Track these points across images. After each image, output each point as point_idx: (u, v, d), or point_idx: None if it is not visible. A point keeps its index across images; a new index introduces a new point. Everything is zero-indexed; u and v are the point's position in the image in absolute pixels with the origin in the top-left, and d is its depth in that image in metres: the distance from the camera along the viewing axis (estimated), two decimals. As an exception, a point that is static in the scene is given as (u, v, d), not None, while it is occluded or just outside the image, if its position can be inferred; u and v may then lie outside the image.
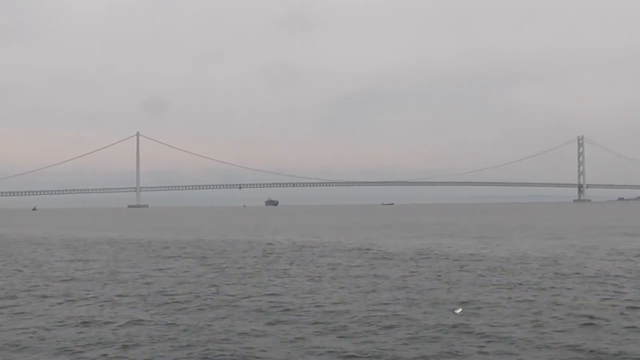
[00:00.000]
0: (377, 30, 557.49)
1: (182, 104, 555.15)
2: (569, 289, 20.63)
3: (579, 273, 24.68)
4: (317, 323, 15.56)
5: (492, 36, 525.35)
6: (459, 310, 16.62)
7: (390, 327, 15.01)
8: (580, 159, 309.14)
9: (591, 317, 15.87)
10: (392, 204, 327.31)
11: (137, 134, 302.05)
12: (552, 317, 15.86)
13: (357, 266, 28.39)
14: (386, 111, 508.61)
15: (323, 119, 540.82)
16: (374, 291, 20.58)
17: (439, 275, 24.42)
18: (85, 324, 15.81)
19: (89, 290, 21.59)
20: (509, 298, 18.82)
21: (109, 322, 15.93)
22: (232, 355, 12.77)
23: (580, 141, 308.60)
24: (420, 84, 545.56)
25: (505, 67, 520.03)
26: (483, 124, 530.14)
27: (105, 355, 12.92)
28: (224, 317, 16.41)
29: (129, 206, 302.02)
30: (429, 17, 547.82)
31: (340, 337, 14.17)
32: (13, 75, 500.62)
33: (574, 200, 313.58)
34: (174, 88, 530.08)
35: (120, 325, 15.52)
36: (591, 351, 12.68)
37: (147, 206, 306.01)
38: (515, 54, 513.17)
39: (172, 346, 13.47)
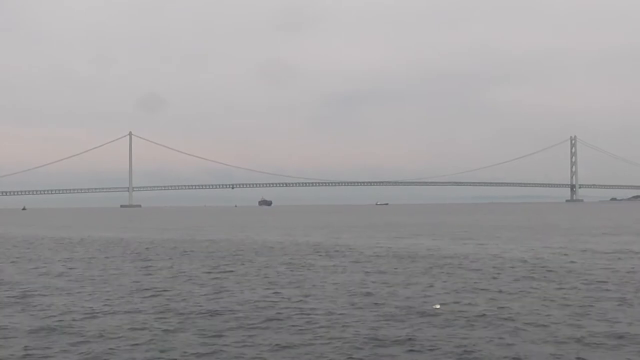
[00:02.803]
0: (370, 30, 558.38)
1: (175, 103, 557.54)
2: (542, 288, 20.05)
3: (551, 271, 24.05)
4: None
5: (485, 35, 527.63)
6: (437, 306, 16.76)
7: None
8: (573, 159, 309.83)
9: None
10: (387, 204, 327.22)
11: (130, 134, 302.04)
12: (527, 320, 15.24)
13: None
14: (380, 110, 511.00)
15: (317, 119, 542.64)
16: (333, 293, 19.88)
17: (411, 275, 23.81)
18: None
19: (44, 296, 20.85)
20: (485, 297, 18.19)
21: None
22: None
23: (573, 141, 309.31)
24: (413, 83, 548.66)
25: (498, 66, 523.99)
26: (476, 124, 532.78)
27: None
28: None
29: (121, 206, 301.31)
30: (422, 16, 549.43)
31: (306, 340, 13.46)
32: (1, 73, 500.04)
33: (567, 201, 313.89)
34: (166, 88, 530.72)
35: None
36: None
37: (139, 206, 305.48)
38: (508, 52, 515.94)
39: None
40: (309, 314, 16.32)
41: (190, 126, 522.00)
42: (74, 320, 15.98)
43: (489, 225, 72.72)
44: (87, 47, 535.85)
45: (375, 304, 17.72)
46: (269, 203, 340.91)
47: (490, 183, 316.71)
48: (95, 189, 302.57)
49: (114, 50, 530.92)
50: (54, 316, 16.58)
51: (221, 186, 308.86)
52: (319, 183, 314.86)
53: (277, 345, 13.15)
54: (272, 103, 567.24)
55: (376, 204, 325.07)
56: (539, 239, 45.04)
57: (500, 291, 19.78)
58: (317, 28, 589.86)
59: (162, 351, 12.79)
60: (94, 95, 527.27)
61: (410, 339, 13.43)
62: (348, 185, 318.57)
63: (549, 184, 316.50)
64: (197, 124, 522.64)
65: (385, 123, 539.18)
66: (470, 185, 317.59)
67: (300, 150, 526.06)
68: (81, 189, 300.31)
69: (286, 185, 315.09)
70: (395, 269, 26.55)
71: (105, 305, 18.19)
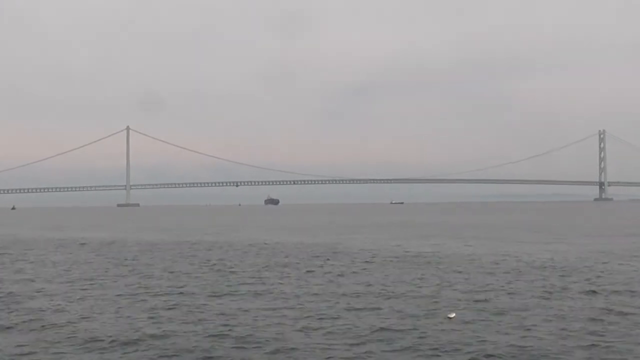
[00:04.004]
0: (381, 16, 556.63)
1: (175, 96, 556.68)
2: (561, 294, 19.92)
3: (568, 276, 23.74)
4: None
5: (505, 20, 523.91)
6: (452, 315, 16.56)
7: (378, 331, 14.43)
8: (602, 154, 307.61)
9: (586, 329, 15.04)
10: (402, 203, 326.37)
11: (127, 128, 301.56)
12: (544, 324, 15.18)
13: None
14: (393, 103, 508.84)
15: (326, 112, 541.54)
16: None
17: (423, 279, 23.72)
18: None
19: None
20: (499, 305, 18.11)
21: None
22: None
23: (602, 135, 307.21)
24: (428, 73, 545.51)
25: (519, 54, 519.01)
26: (498, 116, 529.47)
27: None
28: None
29: (118, 205, 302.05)
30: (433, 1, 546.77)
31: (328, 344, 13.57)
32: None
33: (595, 199, 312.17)
34: (166, 81, 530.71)
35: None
36: None
37: (137, 205, 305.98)
38: (531, 38, 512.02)
39: None
40: (310, 317, 16.33)
41: (192, 120, 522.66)
42: (62, 325, 16.05)
43: (509, 225, 72.37)
44: (84, 39, 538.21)
45: (387, 309, 17.72)
46: (275, 202, 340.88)
47: (513, 180, 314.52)
48: (90, 187, 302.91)
49: (111, 44, 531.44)
50: (41, 319, 16.68)
51: (225, 184, 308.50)
52: (329, 180, 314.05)
53: (280, 348, 13.28)
54: (279, 95, 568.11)
55: (391, 203, 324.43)
56: (564, 241, 44.57)
57: (517, 296, 19.62)
58: (326, 16, 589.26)
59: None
60: (90, 88, 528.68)
61: (417, 349, 13.41)
62: (360, 182, 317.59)
63: (576, 182, 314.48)
64: (199, 117, 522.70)
65: (399, 116, 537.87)
66: (491, 182, 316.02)
67: (309, 146, 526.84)
68: (75, 187, 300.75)
69: (294, 183, 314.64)
70: (407, 272, 26.48)
71: (97, 310, 18.26)
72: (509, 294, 20.24)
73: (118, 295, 21.05)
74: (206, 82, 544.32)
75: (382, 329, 15.31)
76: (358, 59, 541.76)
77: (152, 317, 17.05)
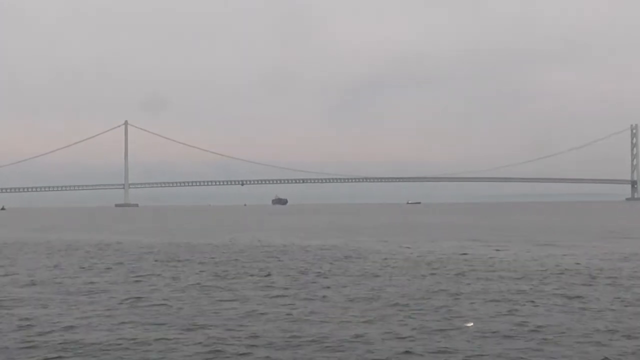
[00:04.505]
0: (392, 7, 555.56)
1: (178, 90, 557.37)
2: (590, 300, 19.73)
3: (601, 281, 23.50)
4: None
5: (529, 7, 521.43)
6: (469, 324, 16.63)
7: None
8: (634, 150, 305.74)
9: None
10: (419, 203, 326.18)
11: (126, 123, 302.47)
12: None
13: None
14: (408, 96, 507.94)
15: (336, 106, 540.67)
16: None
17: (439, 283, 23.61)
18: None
19: None
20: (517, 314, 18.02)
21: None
22: None
23: (634, 130, 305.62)
24: (446, 65, 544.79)
25: (545, 42, 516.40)
26: (521, 110, 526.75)
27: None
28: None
29: (116, 205, 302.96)
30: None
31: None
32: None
33: (627, 199, 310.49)
34: (167, 74, 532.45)
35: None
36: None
37: (136, 205, 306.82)
38: (557, 27, 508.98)
39: None
40: (321, 324, 16.32)
41: (194, 115, 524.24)
42: (52, 334, 16.05)
43: (534, 227, 72.10)
44: (83, 33, 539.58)
45: (404, 316, 17.73)
46: (284, 202, 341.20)
47: (538, 179, 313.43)
48: (86, 186, 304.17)
49: (110, 39, 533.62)
50: (29, 328, 16.69)
51: (229, 182, 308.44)
52: (340, 179, 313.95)
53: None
54: (286, 89, 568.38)
55: (407, 203, 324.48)
56: (598, 244, 44.22)
57: (540, 306, 19.50)
58: (335, 5, 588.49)
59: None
60: (87, 83, 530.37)
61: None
62: (373, 181, 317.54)
63: (606, 180, 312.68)
64: (201, 112, 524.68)
65: (414, 110, 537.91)
66: (515, 181, 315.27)
67: (319, 142, 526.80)
68: (69, 186, 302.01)
69: (303, 182, 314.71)
70: (424, 276, 26.54)
71: (88, 318, 18.20)
72: (532, 301, 20.08)
73: (109, 303, 21.00)
74: (209, 74, 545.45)
75: (397, 338, 15.32)
76: (368, 51, 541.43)
77: (141, 325, 17.01)
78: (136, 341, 15.21)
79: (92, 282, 25.95)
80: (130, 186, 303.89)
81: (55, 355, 14.14)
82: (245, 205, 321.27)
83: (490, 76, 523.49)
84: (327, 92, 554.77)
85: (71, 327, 16.92)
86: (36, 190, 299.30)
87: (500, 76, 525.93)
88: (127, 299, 21.43)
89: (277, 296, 21.78)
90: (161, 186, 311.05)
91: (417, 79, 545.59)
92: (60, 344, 15.07)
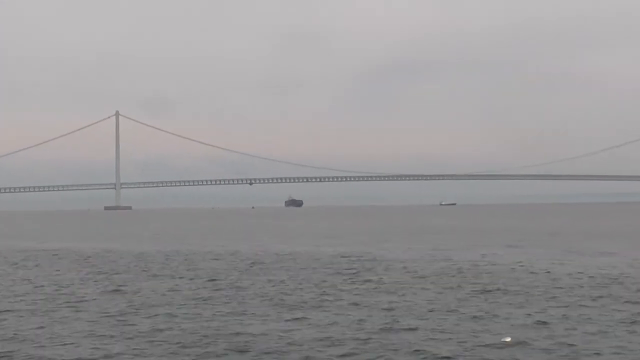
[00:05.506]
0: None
1: (177, 80, 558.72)
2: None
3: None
4: None
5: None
6: (508, 339, 16.98)
7: None
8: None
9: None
10: (454, 204, 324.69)
11: (117, 113, 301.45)
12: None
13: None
14: (436, 85, 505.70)
15: (355, 96, 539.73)
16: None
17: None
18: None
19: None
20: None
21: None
22: None
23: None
24: (478, 49, 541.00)
25: (588, 27, 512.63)
26: (565, 99, 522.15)
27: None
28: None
29: (105, 208, 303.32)
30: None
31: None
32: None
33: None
34: (168, 62, 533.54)
35: None
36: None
37: (129, 208, 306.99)
38: (599, 10, 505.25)
39: None
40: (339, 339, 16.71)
41: (195, 106, 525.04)
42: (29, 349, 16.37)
43: (587, 232, 71.85)
44: (82, 20, 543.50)
45: (433, 329, 18.16)
46: (299, 203, 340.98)
47: (589, 176, 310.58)
48: (72, 186, 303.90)
49: (106, 30, 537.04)
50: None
51: (236, 181, 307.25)
52: (364, 177, 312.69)
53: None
54: (297, 77, 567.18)
55: (440, 204, 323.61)
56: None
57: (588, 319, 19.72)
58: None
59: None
60: (80, 71, 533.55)
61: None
62: (401, 179, 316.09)
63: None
64: (203, 102, 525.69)
65: (444, 100, 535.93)
66: (563, 179, 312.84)
67: (336, 137, 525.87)
68: (53, 187, 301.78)
69: (320, 180, 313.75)
70: (459, 286, 26.92)
71: (72, 333, 18.53)
72: (578, 316, 20.18)
73: (91, 317, 21.26)
74: (212, 61, 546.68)
75: (419, 350, 15.73)
76: (390, 31, 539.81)
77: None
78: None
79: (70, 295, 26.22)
80: (122, 186, 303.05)
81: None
82: (253, 207, 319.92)
83: (527, 62, 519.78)
84: (343, 81, 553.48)
85: (51, 340, 17.27)
86: (11, 191, 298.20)
87: (540, 62, 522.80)
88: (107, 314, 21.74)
89: (294, 319, 21.89)
90: (158, 186, 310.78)
91: (448, 64, 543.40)
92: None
